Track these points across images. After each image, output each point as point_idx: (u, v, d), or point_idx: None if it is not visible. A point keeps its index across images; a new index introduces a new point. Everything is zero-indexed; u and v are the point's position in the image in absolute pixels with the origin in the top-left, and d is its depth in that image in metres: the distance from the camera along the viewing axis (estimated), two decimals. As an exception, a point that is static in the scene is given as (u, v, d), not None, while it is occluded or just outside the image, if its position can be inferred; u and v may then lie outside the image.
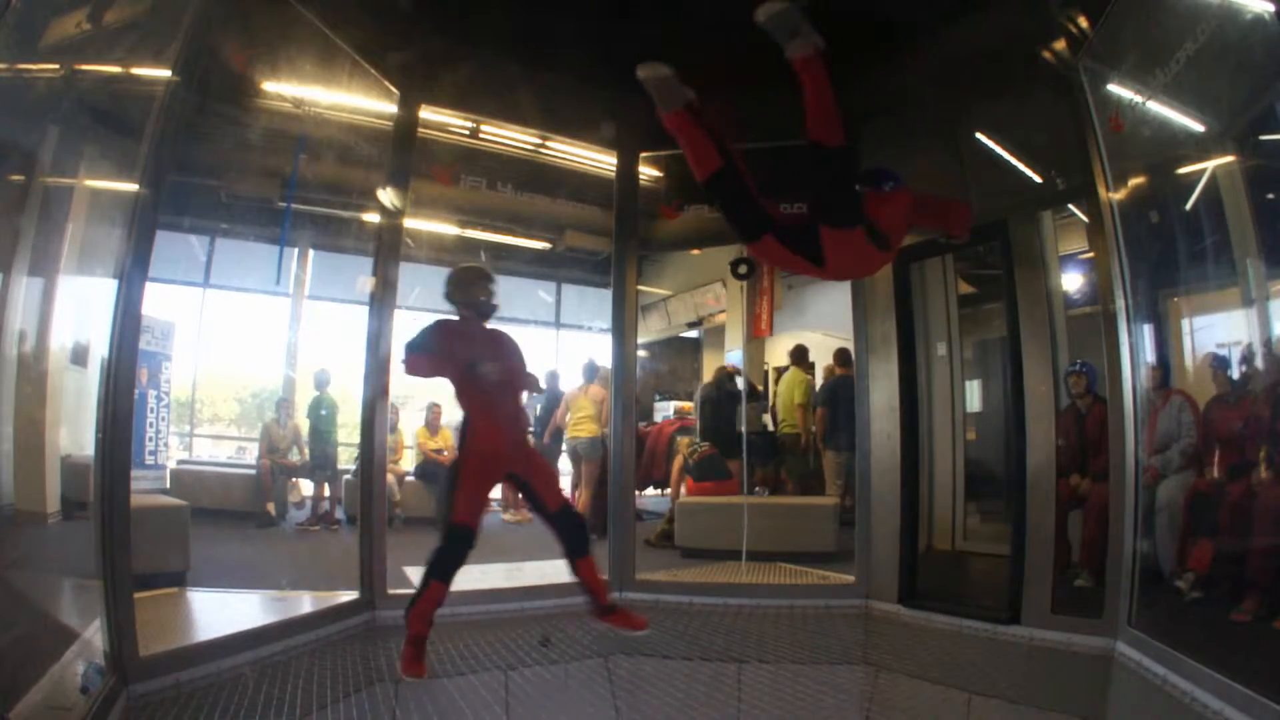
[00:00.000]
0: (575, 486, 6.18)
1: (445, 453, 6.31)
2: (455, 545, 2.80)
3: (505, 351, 2.91)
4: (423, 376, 2.90)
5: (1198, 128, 2.67)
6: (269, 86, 3.56)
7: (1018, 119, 3.51)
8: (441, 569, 2.80)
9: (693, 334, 9.60)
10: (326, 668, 2.67)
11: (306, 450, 5.92)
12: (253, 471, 5.56)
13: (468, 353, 2.74)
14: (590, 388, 5.79)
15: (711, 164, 2.49)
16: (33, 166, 2.06)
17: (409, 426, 6.52)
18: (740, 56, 3.74)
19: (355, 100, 3.71)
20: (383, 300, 3.52)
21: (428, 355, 2.74)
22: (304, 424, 5.87)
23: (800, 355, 6.06)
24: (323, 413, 5.81)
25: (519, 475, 2.88)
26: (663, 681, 2.94)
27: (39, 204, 2.12)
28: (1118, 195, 2.99)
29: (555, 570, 4.48)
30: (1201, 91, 2.54)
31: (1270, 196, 2.48)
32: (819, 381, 6.21)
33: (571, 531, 2.89)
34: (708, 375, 6.73)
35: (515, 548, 5.50)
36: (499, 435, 2.80)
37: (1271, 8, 2.14)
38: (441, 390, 8.81)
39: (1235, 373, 2.62)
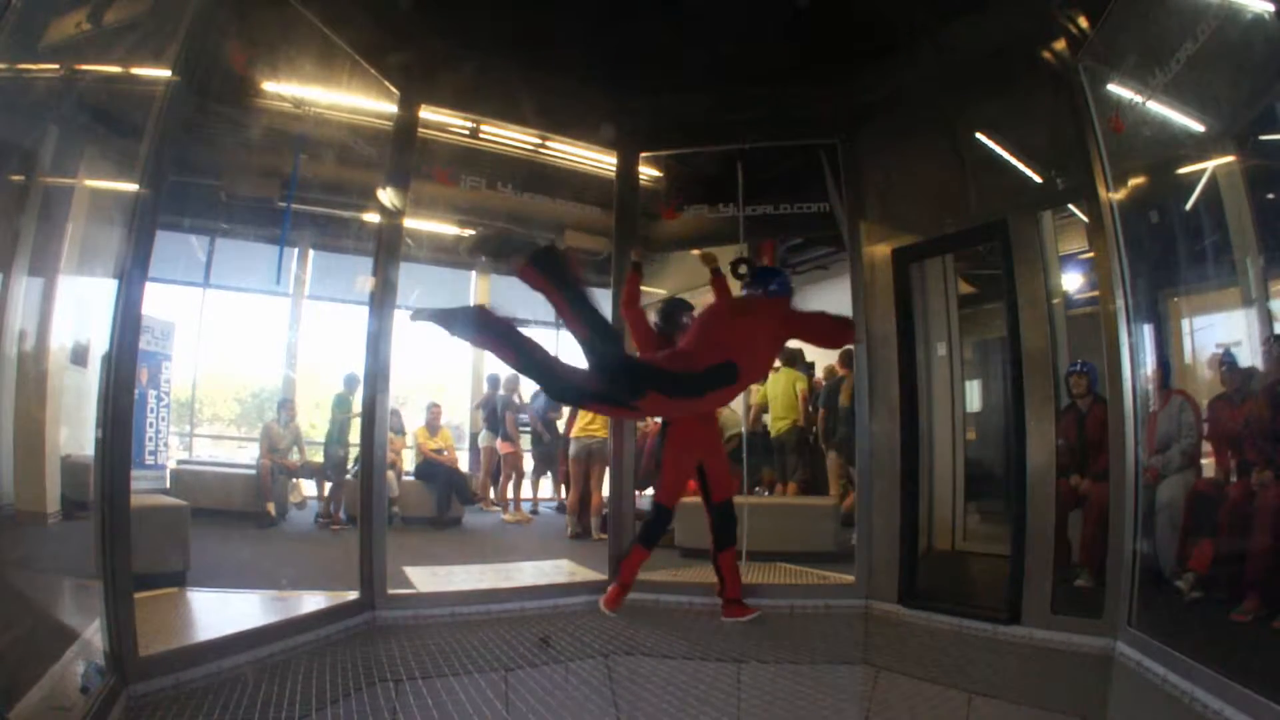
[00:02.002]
0: (566, 484, 6.17)
1: (445, 453, 6.31)
2: (658, 520, 3.41)
3: None
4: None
5: (1198, 128, 2.67)
6: (269, 86, 3.56)
7: (1018, 119, 3.50)
8: (645, 538, 3.44)
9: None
10: (326, 668, 2.67)
11: (307, 451, 5.92)
12: (253, 471, 5.56)
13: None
14: None
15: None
16: (33, 166, 2.06)
17: (410, 428, 6.53)
18: (739, 56, 3.76)
19: (355, 100, 3.71)
20: (383, 300, 3.52)
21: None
22: (323, 421, 5.89)
23: (792, 358, 6.06)
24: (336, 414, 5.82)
25: (703, 466, 3.38)
26: (663, 681, 2.94)
27: (39, 204, 2.12)
28: (1118, 195, 2.98)
29: (555, 570, 4.51)
30: (1201, 91, 2.54)
31: (1270, 196, 2.48)
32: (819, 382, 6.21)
33: (722, 525, 3.43)
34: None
35: (515, 548, 5.51)
36: (693, 432, 3.32)
37: (1271, 8, 2.15)
38: (441, 391, 8.80)
39: (1230, 372, 2.62)
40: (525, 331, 2.32)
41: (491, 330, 2.30)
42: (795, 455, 5.71)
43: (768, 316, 2.83)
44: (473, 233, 2.35)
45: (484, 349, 2.36)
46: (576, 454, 5.75)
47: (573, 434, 5.81)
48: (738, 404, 6.58)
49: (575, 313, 2.27)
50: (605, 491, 4.78)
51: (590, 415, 5.72)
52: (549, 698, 2.76)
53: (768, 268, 3.25)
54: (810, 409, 5.90)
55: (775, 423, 5.78)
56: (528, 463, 7.04)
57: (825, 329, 3.17)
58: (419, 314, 2.33)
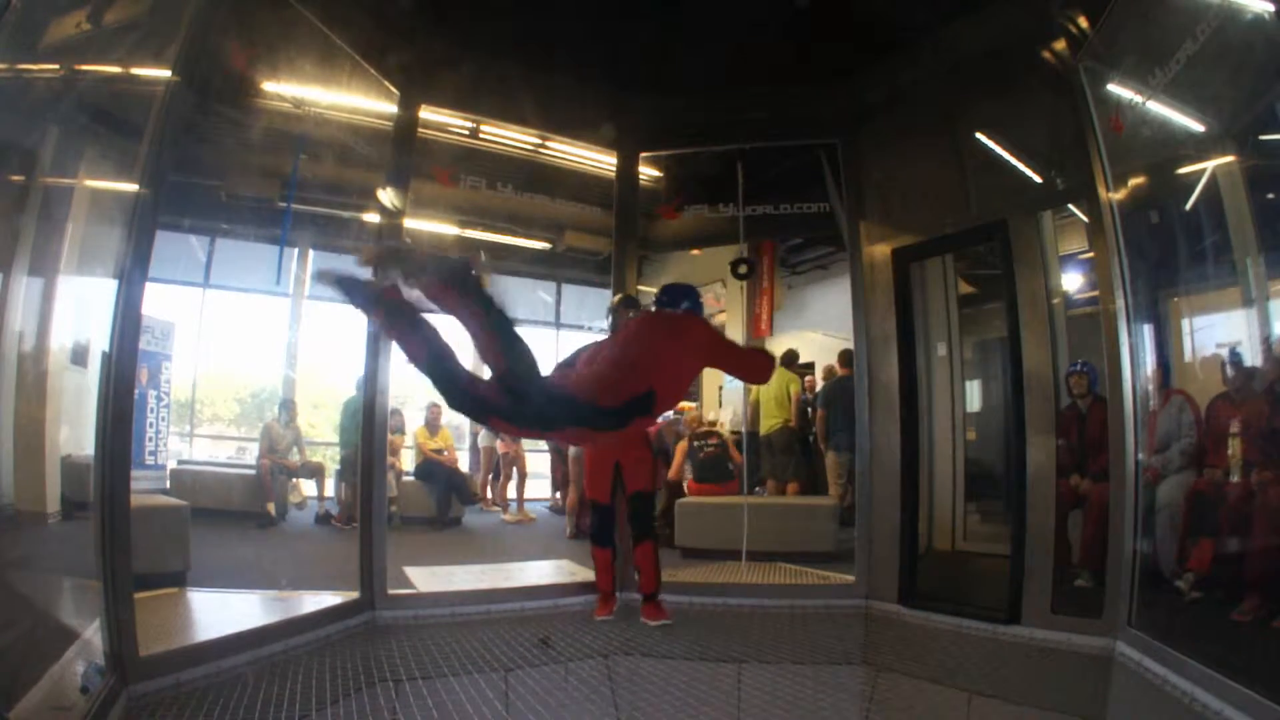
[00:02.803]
0: (564, 485, 6.17)
1: (445, 452, 6.31)
2: (595, 515, 3.50)
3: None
4: None
5: (1198, 128, 2.67)
6: (269, 86, 3.56)
7: (1018, 119, 3.50)
8: (594, 538, 3.51)
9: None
10: (326, 668, 2.67)
11: (307, 451, 5.92)
12: (253, 471, 5.56)
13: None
14: None
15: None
16: (33, 166, 2.06)
17: (410, 428, 6.52)
18: (739, 56, 3.77)
19: (355, 100, 3.71)
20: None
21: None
22: (323, 421, 5.87)
23: (789, 359, 6.06)
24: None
25: (619, 463, 3.41)
26: (663, 681, 2.94)
27: (39, 204, 2.12)
28: (1118, 195, 2.99)
29: (555, 570, 4.51)
30: (1201, 91, 2.54)
31: (1270, 196, 2.48)
32: (818, 381, 6.21)
33: (632, 516, 3.46)
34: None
35: (515, 548, 5.51)
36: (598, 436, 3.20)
37: (1271, 8, 2.15)
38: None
39: (1237, 372, 2.62)
40: (434, 325, 2.01)
41: (391, 314, 2.01)
42: (785, 455, 5.71)
43: (692, 342, 2.60)
44: (368, 245, 2.08)
45: (383, 333, 2.07)
46: (576, 454, 5.74)
47: None
48: (738, 403, 6.58)
49: (495, 339, 1.96)
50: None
51: None
52: (549, 698, 2.76)
53: (677, 286, 3.03)
54: (809, 410, 5.90)
55: (765, 421, 5.77)
56: (538, 463, 7.02)
57: (749, 364, 2.99)
58: (322, 275, 2.05)
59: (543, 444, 7.03)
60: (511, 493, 6.77)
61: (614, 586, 3.60)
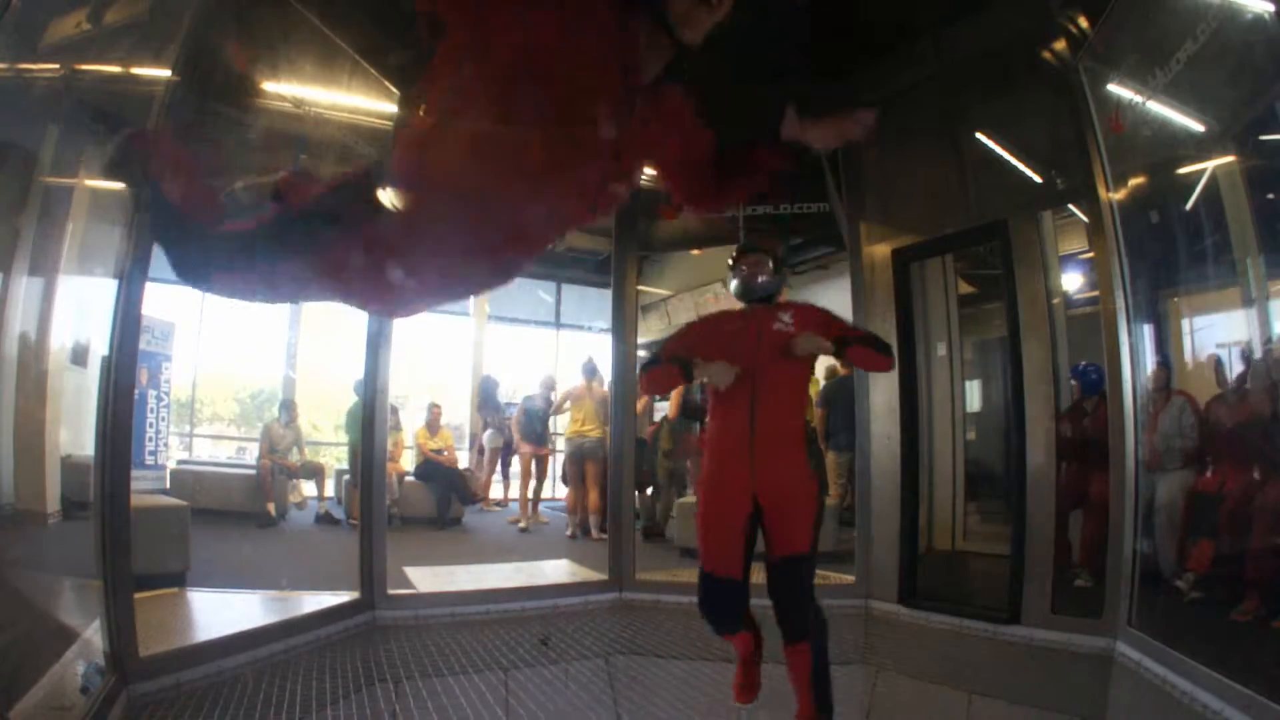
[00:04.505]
0: (567, 487, 6.16)
1: (445, 453, 6.31)
2: (701, 588, 2.21)
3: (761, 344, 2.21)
4: (660, 393, 2.43)
5: (1198, 128, 2.67)
6: (269, 86, 3.56)
7: (1018, 119, 3.51)
8: (716, 624, 2.25)
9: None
10: (326, 668, 2.67)
11: (307, 451, 5.93)
12: (253, 471, 5.56)
13: (708, 352, 2.17)
14: (595, 387, 5.77)
15: None
16: (33, 166, 2.06)
17: (409, 426, 6.53)
18: (738, 55, 3.77)
19: (355, 100, 3.71)
20: (383, 300, 3.51)
21: (655, 369, 2.23)
22: (323, 422, 5.87)
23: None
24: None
25: (760, 505, 2.12)
26: (663, 681, 2.94)
27: (39, 204, 2.12)
28: (1118, 195, 2.99)
29: (555, 570, 4.51)
30: (1201, 91, 2.54)
31: (1270, 196, 2.48)
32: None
33: (782, 596, 2.12)
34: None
35: (515, 548, 5.51)
36: (732, 444, 2.13)
37: (1271, 8, 2.15)
38: (441, 390, 8.77)
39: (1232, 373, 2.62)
40: None
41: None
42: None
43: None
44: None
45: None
46: (571, 454, 5.76)
47: (566, 434, 5.82)
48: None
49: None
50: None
51: (582, 416, 5.71)
52: (549, 698, 2.76)
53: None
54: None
55: None
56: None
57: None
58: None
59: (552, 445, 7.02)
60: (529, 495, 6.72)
61: (758, 677, 2.36)
